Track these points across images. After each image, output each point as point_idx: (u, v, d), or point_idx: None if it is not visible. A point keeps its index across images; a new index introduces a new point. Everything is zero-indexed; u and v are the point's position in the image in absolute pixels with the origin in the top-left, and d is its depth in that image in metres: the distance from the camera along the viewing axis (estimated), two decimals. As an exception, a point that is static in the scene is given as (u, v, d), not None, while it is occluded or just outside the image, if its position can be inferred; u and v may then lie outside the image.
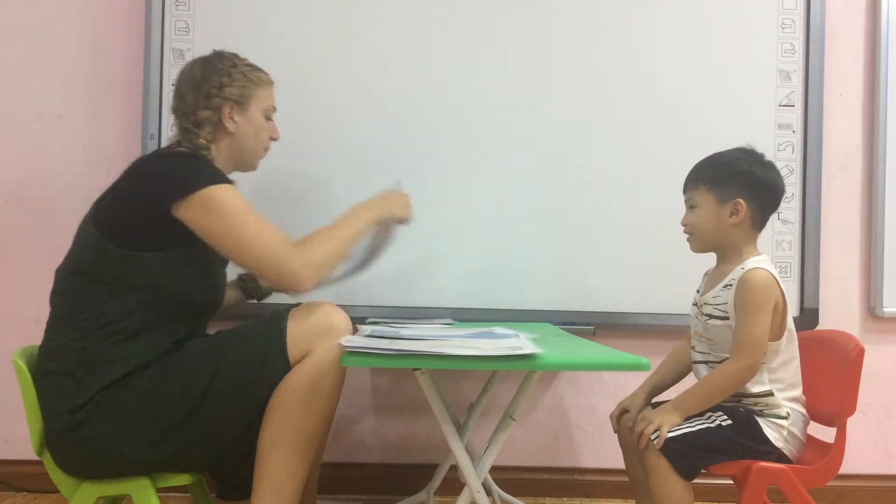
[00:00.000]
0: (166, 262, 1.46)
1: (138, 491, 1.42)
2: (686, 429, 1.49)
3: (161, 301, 1.46)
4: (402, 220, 1.75)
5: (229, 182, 1.51)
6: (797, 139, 2.25)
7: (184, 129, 1.63)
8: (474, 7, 2.24)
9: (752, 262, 1.55)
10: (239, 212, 1.45)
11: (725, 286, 1.56)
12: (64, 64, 2.28)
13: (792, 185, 2.22)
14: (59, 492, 1.47)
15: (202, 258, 1.51)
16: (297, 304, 1.52)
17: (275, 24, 2.23)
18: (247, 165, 1.73)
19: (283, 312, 1.48)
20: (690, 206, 1.62)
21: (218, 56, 1.69)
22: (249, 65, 1.71)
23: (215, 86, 1.63)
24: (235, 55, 1.70)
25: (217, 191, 1.45)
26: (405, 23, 2.24)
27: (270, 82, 1.74)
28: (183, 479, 1.47)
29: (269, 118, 1.73)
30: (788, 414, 1.53)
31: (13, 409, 2.21)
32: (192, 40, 2.22)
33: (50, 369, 1.43)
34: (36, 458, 1.46)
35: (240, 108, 1.65)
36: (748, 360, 1.49)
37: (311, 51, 2.23)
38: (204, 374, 1.42)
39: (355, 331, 1.54)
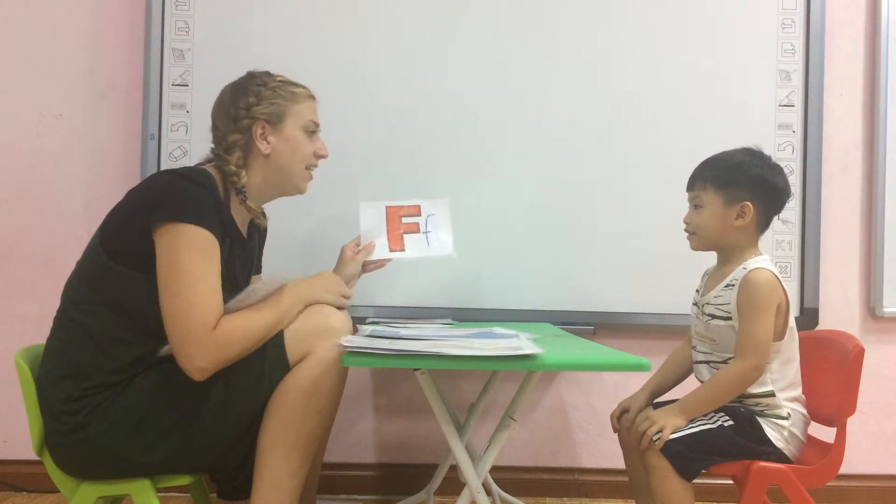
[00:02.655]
0: (146, 283, 1.38)
1: (138, 491, 1.42)
2: (688, 429, 1.49)
3: (140, 321, 1.40)
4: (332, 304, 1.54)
5: (214, 233, 1.38)
6: (797, 139, 2.25)
7: (216, 155, 1.57)
8: (475, 6, 2.24)
9: (753, 262, 1.55)
10: (193, 264, 1.34)
11: (727, 286, 1.56)
12: (64, 64, 2.28)
13: (792, 185, 2.19)
14: (59, 492, 1.47)
15: None
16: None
17: (275, 24, 2.23)
18: (292, 187, 1.64)
19: None
20: (695, 206, 1.61)
21: (248, 77, 1.61)
22: (283, 80, 1.62)
23: (243, 107, 1.55)
24: (267, 73, 1.62)
25: (191, 230, 1.35)
26: (404, 22, 2.24)
27: (309, 96, 1.64)
28: (183, 480, 1.47)
29: (311, 133, 1.63)
30: (789, 414, 1.52)
31: (13, 409, 2.21)
32: (192, 40, 2.22)
33: (50, 369, 1.43)
34: (36, 458, 1.46)
35: (273, 127, 1.57)
36: (754, 361, 1.48)
37: (310, 51, 2.23)
38: (204, 375, 1.42)
39: (355, 331, 1.54)
